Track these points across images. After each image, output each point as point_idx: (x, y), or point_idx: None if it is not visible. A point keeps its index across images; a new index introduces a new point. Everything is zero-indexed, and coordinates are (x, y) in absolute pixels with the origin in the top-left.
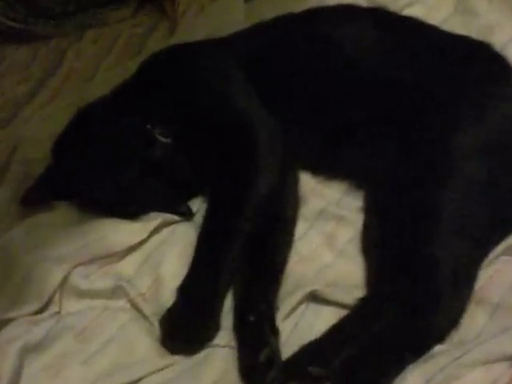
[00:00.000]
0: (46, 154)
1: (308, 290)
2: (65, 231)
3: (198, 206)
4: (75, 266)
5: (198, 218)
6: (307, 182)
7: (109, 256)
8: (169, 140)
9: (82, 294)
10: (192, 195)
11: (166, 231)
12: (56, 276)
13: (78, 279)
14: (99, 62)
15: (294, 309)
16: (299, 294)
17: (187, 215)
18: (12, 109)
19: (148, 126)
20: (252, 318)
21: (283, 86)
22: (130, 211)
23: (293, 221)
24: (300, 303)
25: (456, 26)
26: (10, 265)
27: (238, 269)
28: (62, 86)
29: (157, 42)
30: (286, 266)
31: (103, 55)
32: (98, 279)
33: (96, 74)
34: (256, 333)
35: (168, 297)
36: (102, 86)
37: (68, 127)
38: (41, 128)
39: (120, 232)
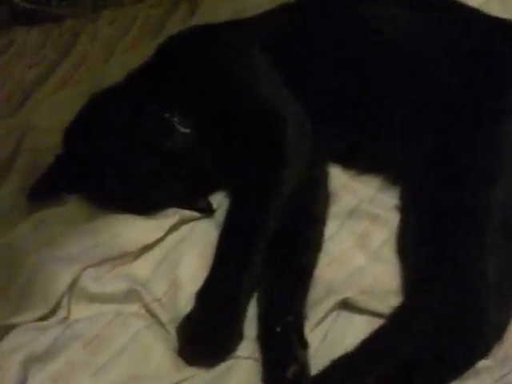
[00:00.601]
0: (56, 144)
1: (340, 297)
2: (74, 229)
3: (219, 201)
4: (85, 268)
5: (220, 215)
6: (338, 177)
7: (122, 256)
8: (188, 130)
9: (93, 298)
10: (213, 189)
11: (184, 229)
12: (64, 278)
13: (88, 282)
14: (115, 45)
15: (323, 317)
16: (330, 302)
17: (207, 211)
18: (21, 95)
19: (166, 115)
20: (278, 329)
21: (311, 72)
22: (146, 207)
23: (323, 219)
24: (330, 311)
25: (495, 8)
26: (14, 265)
27: (263, 272)
28: (75, 71)
29: (176, 24)
30: (315, 270)
31: (119, 38)
32: (110, 282)
33: (111, 57)
34: (283, 345)
35: (186, 302)
36: (117, 70)
37: (81, 114)
38: (51, 116)
39: (134, 230)
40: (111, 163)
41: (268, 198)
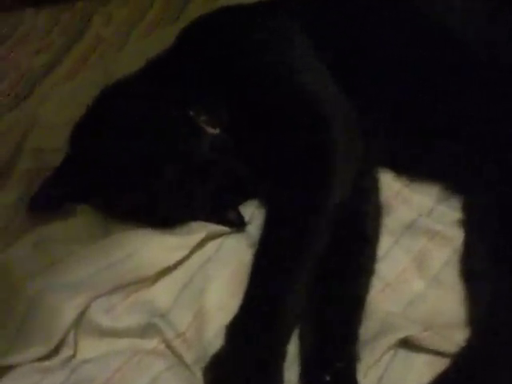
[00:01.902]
0: (63, 144)
1: (399, 335)
2: (82, 247)
3: (251, 213)
4: (95, 297)
5: (253, 229)
6: (390, 186)
7: (138, 281)
8: (217, 130)
9: (104, 334)
10: (244, 199)
11: (211, 247)
12: (69, 309)
13: (99, 314)
14: (130, 30)
15: (379, 358)
16: (387, 340)
17: (238, 225)
18: (26, 85)
19: (191, 113)
20: (328, 378)
21: (361, 61)
22: (167, 220)
23: (375, 237)
24: (387, 351)
25: None
26: (9, 292)
27: (306, 303)
28: (87, 58)
29: (198, 6)
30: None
31: (135, 21)
32: (124, 313)
33: (126, 44)
34: None
35: (214, 337)
36: (133, 58)
37: (91, 110)
38: (59, 110)
39: (153, 248)
40: (126, 169)
41: (312, 212)
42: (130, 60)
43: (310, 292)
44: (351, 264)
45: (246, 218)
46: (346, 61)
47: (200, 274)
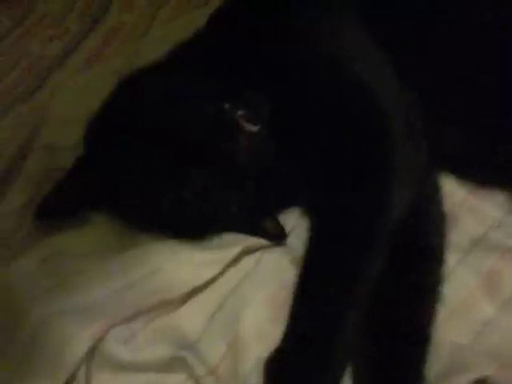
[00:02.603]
0: (78, 141)
1: (472, 376)
2: (97, 264)
3: (292, 223)
4: (111, 324)
5: (294, 242)
6: (453, 194)
7: (163, 304)
8: (257, 127)
9: (122, 368)
10: (284, 208)
11: (247, 263)
12: (82, 339)
13: (116, 345)
14: (154, 14)
15: None
16: (458, 381)
17: (278, 238)
18: (38, 76)
19: (226, 106)
20: None
21: (425, 51)
22: (195, 232)
23: (441, 252)
24: None
25: None
26: (12, 317)
27: (362, 335)
28: (106, 46)
29: None
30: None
31: (160, 5)
32: (146, 344)
33: (150, 29)
34: None
35: (251, 373)
36: (157, 45)
37: (108, 103)
38: (73, 103)
39: (179, 265)
40: (149, 172)
41: (368, 230)
42: (154, 47)
43: (365, 322)
44: (415, 287)
45: (287, 229)
46: (405, 44)
47: (234, 296)
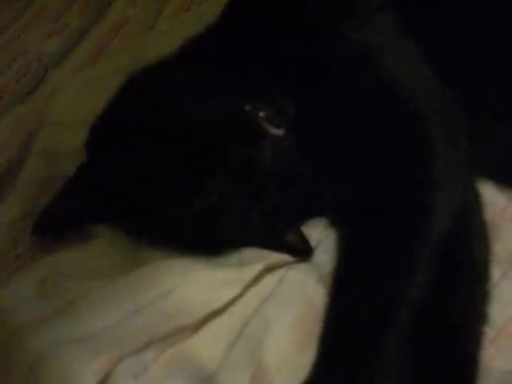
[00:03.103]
0: (80, 147)
1: None
2: (103, 285)
3: (318, 235)
4: (120, 356)
5: (321, 257)
6: (493, 202)
7: (178, 331)
8: (281, 131)
9: None
10: (308, 218)
11: (270, 282)
12: (87, 375)
13: (126, 379)
14: (161, 7)
15: None
16: None
17: (304, 253)
18: (36, 74)
19: (247, 107)
20: None
21: (467, 49)
22: (212, 247)
23: (486, 267)
24: None
25: None
26: (7, 348)
27: (403, 364)
28: (109, 42)
29: None
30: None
31: None
32: (160, 377)
33: (156, 23)
34: None
35: None
36: (164, 40)
37: (115, 104)
38: (74, 103)
39: (195, 285)
40: (161, 181)
41: (413, 238)
42: (161, 43)
43: (407, 348)
44: (458, 307)
45: (312, 243)
46: (442, 39)
47: (256, 320)
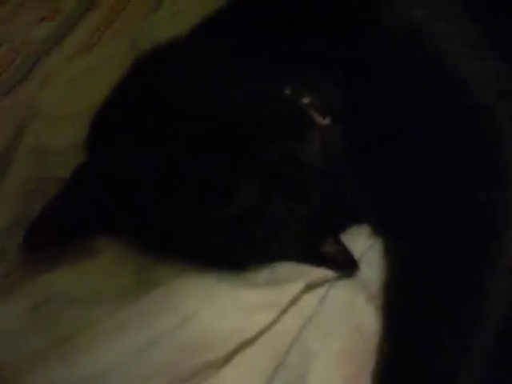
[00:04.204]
0: (76, 143)
1: None
2: (108, 311)
3: (361, 246)
4: None
5: (367, 272)
6: None
7: (202, 366)
8: (328, 120)
9: None
10: (348, 225)
11: (309, 303)
12: None
13: None
14: None
15: None
16: None
17: (348, 267)
18: (25, 62)
19: (286, 91)
20: None
21: None
22: (240, 261)
23: None
24: None
25: None
26: None
27: None
28: (106, 27)
29: None
30: None
31: None
32: None
33: (160, 5)
34: None
35: None
36: (167, 25)
37: (119, 92)
38: (67, 95)
39: (221, 310)
40: (178, 181)
41: (488, 248)
42: (165, 27)
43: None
44: None
45: (356, 255)
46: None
47: (297, 350)
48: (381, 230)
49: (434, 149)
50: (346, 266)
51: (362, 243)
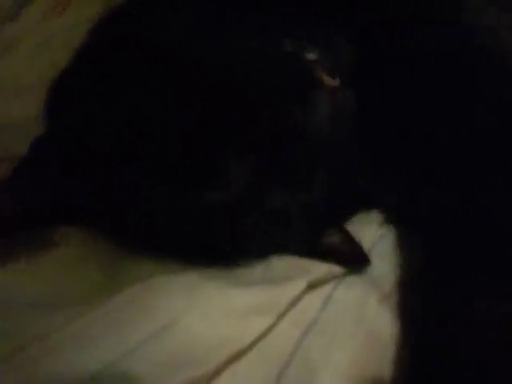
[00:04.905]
0: (34, 115)
1: None
2: (68, 318)
3: (371, 236)
4: None
5: (380, 267)
6: None
7: (185, 383)
8: (337, 82)
9: None
10: (356, 211)
11: (311, 304)
12: None
13: None
14: None
15: None
16: None
17: (357, 261)
18: None
19: (287, 45)
20: None
21: None
22: (228, 256)
23: None
24: None
25: None
26: None
27: None
28: None
29: None
30: None
31: None
32: None
33: None
34: None
35: None
36: None
37: (85, 50)
38: (32, 63)
39: (209, 314)
40: (155, 157)
41: None
42: None
43: None
44: None
45: (366, 246)
46: None
47: (298, 360)
48: (394, 217)
49: (479, 136)
50: (354, 259)
51: (372, 233)
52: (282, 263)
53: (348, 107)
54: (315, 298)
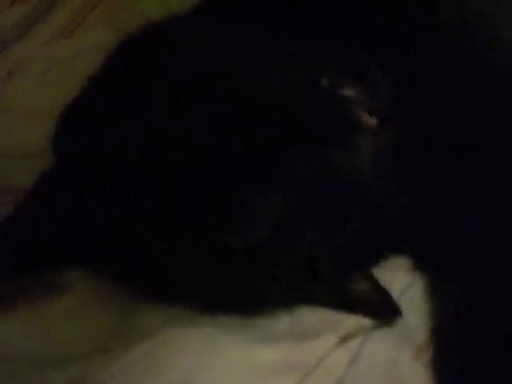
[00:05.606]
0: (46, 145)
1: None
2: (71, 378)
3: (402, 285)
4: None
5: (412, 318)
6: None
7: None
8: (375, 121)
9: None
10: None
11: (338, 360)
12: None
13: None
14: None
15: None
16: None
17: (388, 313)
18: None
19: (324, 81)
20: None
21: None
22: (249, 306)
23: None
24: None
25: None
26: None
27: None
28: (86, 12)
29: None
30: None
31: None
32: None
33: None
34: None
35: None
36: (156, 10)
37: (97, 78)
38: (38, 88)
39: (226, 371)
40: (174, 195)
41: None
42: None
43: None
44: None
45: (394, 294)
46: None
47: None
48: (424, 263)
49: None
50: (384, 311)
51: (401, 280)
52: (308, 315)
53: (388, 147)
54: (343, 354)
